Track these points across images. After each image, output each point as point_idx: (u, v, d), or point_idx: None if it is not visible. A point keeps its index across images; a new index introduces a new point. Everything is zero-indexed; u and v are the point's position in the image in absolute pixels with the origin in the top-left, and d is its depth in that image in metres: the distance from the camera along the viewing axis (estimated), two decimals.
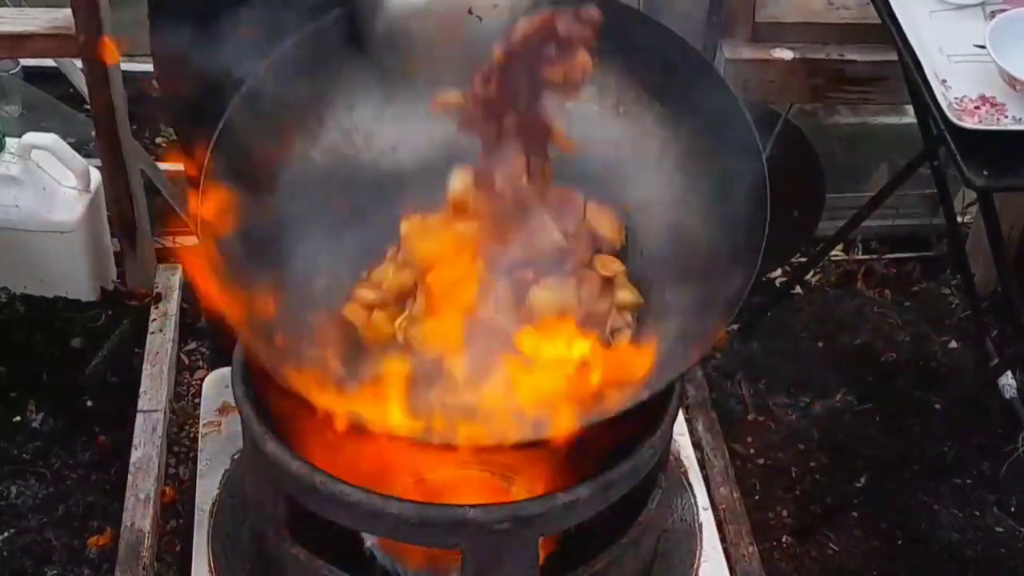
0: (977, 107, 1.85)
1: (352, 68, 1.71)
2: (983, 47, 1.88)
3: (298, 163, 1.68)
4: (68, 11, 2.31)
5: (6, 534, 2.28)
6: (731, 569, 2.09)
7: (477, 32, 1.67)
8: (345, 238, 1.70)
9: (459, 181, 1.66)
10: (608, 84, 1.74)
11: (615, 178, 1.73)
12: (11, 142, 2.58)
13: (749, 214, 1.57)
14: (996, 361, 2.63)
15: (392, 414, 1.54)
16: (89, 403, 2.50)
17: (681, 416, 2.24)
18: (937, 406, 2.66)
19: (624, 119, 1.74)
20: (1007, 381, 2.63)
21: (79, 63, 2.49)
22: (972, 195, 2.60)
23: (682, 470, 2.13)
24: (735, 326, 2.76)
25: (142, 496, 2.23)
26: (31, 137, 2.59)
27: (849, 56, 2.44)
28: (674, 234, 1.69)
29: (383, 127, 1.74)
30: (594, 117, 1.73)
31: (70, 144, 2.66)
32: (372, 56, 1.69)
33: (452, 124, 1.63)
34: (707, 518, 2.09)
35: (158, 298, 2.62)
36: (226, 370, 2.03)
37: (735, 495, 2.31)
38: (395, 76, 1.72)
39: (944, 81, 1.89)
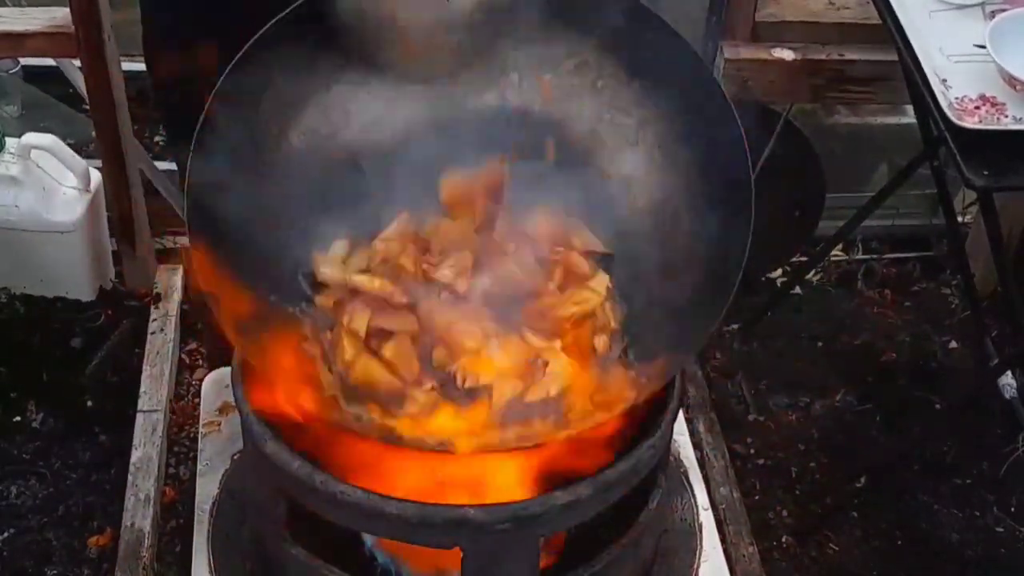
0: (977, 107, 1.85)
1: (327, 50, 1.71)
2: (983, 47, 1.88)
3: (276, 147, 1.69)
4: (67, 11, 2.30)
5: (6, 534, 2.28)
6: (731, 569, 2.09)
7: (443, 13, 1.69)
8: (321, 223, 1.72)
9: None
10: (587, 59, 1.75)
11: (596, 151, 1.74)
12: (11, 142, 2.58)
13: (732, 198, 1.58)
14: (996, 361, 2.62)
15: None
16: (89, 403, 2.50)
17: (681, 416, 2.25)
18: (937, 406, 2.66)
19: (603, 93, 1.75)
20: (1007, 381, 2.63)
21: (79, 63, 2.48)
22: (972, 195, 2.59)
23: (682, 470, 2.13)
24: (735, 326, 2.76)
25: (142, 496, 2.23)
26: (31, 137, 2.58)
27: (849, 56, 2.44)
28: (657, 219, 1.70)
29: (359, 105, 1.76)
30: (573, 90, 1.75)
31: (70, 144, 2.66)
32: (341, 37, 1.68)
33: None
34: (707, 518, 2.09)
35: (158, 298, 2.62)
36: (226, 370, 2.04)
37: (735, 495, 2.31)
38: (368, 57, 1.73)
39: (944, 81, 1.89)
